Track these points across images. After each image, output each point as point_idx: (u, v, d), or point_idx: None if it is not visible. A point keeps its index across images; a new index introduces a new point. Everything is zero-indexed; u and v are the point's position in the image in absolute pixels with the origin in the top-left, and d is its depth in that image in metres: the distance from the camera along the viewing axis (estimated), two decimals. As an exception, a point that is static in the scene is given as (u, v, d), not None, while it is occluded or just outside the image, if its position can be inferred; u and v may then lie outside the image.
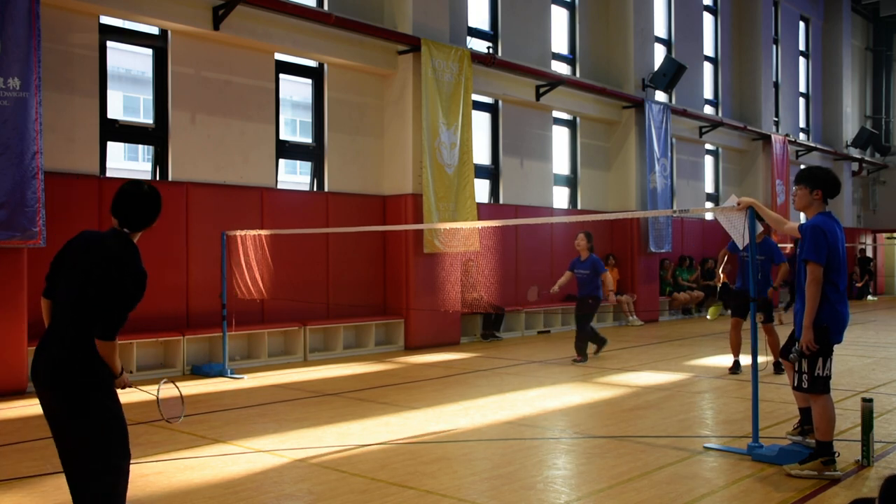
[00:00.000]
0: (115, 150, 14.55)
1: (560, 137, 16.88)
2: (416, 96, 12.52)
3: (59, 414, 3.56)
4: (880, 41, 30.70)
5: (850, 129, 27.81)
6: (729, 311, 10.27)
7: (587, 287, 10.96)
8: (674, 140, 19.20)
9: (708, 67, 21.55)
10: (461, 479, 5.26)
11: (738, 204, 5.90)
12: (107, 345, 3.57)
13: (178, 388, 4.51)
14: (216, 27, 10.50)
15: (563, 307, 15.48)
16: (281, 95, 11.95)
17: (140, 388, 4.30)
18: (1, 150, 8.15)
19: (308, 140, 12.55)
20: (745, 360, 9.97)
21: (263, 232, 10.29)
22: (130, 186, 3.81)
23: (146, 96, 12.10)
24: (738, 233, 6.01)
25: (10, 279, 8.46)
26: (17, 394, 8.46)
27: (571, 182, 17.15)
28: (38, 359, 3.60)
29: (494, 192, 15.13)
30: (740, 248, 6.35)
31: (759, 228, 8.89)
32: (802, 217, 5.65)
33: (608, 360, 11.25)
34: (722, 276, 10.52)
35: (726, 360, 10.42)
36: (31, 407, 7.88)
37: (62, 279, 3.71)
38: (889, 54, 30.66)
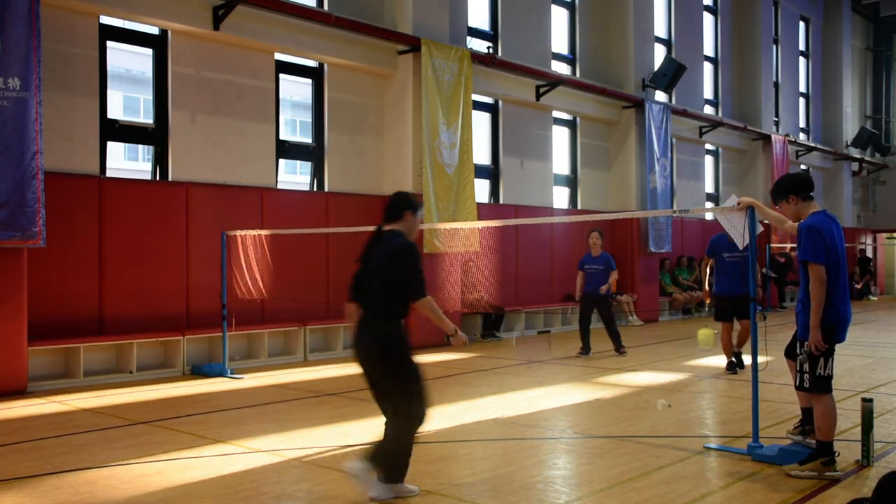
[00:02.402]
0: (115, 150, 14.56)
1: (560, 137, 16.88)
2: (416, 96, 12.52)
3: (377, 374, 4.73)
4: (880, 41, 30.69)
5: (850, 129, 27.81)
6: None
7: (600, 283, 11.32)
8: (674, 140, 19.19)
9: (708, 67, 21.54)
10: (461, 479, 5.26)
11: (739, 203, 5.91)
12: (423, 302, 4.72)
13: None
14: (216, 27, 10.50)
15: (563, 307, 15.48)
16: (281, 95, 11.95)
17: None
18: (1, 150, 8.15)
19: (308, 140, 12.55)
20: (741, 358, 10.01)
21: (263, 232, 10.29)
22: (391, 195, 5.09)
23: (146, 96, 12.09)
24: (738, 233, 6.01)
25: (10, 279, 8.46)
26: (17, 394, 8.45)
27: (571, 182, 17.14)
28: (359, 339, 4.77)
29: (494, 192, 15.13)
30: (740, 247, 6.35)
31: (760, 228, 8.88)
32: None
33: (608, 360, 11.25)
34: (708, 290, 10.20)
35: (726, 361, 10.41)
36: (31, 407, 7.89)
37: (363, 281, 4.85)
38: (889, 54, 30.65)
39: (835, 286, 5.31)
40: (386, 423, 4.82)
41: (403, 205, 4.96)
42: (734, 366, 9.84)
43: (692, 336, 14.42)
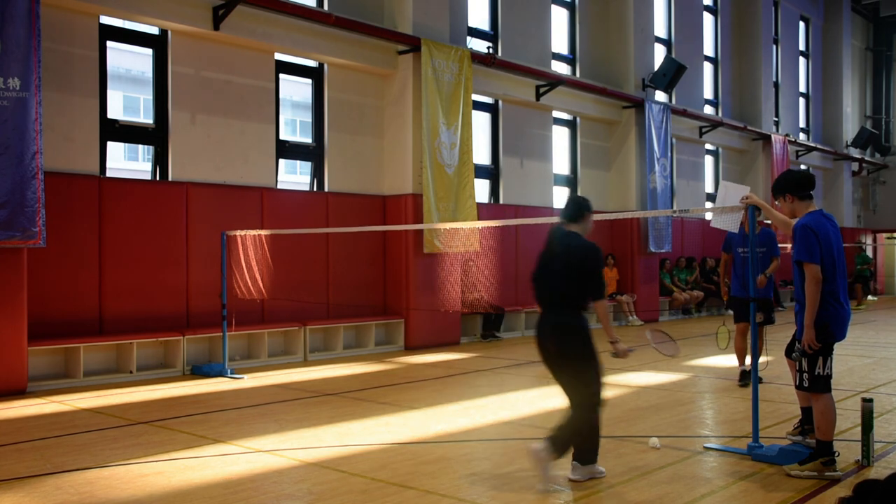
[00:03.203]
0: (115, 150, 14.56)
1: (560, 137, 16.88)
2: (416, 96, 12.52)
3: (558, 360, 5.21)
4: (880, 41, 30.70)
5: (850, 129, 27.82)
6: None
7: None
8: (674, 140, 19.20)
9: (708, 67, 21.55)
10: (461, 479, 5.26)
11: (746, 198, 5.85)
12: (601, 303, 5.15)
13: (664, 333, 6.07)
14: (216, 27, 10.50)
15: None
16: (281, 95, 11.95)
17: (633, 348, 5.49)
18: (1, 150, 8.15)
19: (308, 140, 12.55)
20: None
21: (263, 232, 10.29)
22: (566, 199, 5.58)
23: (146, 96, 12.10)
24: (725, 225, 6.06)
25: (10, 279, 8.46)
26: (17, 394, 8.45)
27: (571, 182, 17.14)
28: (543, 330, 5.23)
29: (494, 192, 15.13)
30: (735, 230, 6.38)
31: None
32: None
33: (608, 359, 11.21)
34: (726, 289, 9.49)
35: (726, 361, 10.41)
36: (31, 407, 7.89)
37: (546, 277, 5.25)
38: (889, 54, 30.66)
39: (831, 286, 5.30)
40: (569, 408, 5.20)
41: (585, 208, 5.38)
42: (746, 376, 8.76)
43: (692, 336, 14.44)
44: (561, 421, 5.16)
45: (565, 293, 5.15)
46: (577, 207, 5.38)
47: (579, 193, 17.23)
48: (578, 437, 5.13)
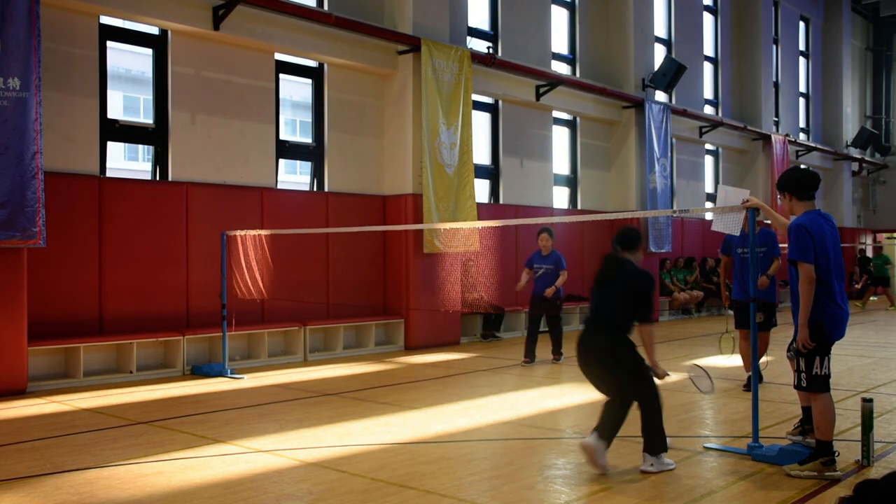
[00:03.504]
0: (115, 150, 14.56)
1: (560, 137, 16.88)
2: (416, 96, 12.52)
3: (605, 377, 5.50)
4: (880, 41, 30.71)
5: (850, 129, 27.82)
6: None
7: (548, 284, 10.77)
8: (674, 140, 19.20)
9: (708, 67, 21.55)
10: (461, 479, 5.26)
11: (747, 201, 5.88)
12: (647, 327, 5.49)
13: (702, 368, 6.28)
14: (216, 27, 10.50)
15: (565, 307, 15.43)
16: (281, 95, 11.95)
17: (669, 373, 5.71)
18: (1, 150, 8.15)
19: (308, 140, 12.55)
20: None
21: (263, 232, 10.29)
22: (621, 229, 5.94)
23: (146, 96, 12.10)
24: (729, 228, 6.08)
25: (10, 279, 8.46)
26: (17, 394, 8.45)
27: (571, 182, 17.14)
28: (591, 347, 5.53)
29: (494, 192, 15.13)
30: (737, 233, 6.40)
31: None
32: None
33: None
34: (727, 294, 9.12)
35: (726, 361, 10.40)
36: (31, 407, 7.89)
37: (599, 298, 5.65)
38: (889, 54, 30.66)
39: (826, 286, 5.29)
40: (610, 402, 5.49)
41: (638, 239, 5.87)
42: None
43: (692, 336, 14.43)
44: (642, 422, 5.46)
45: (616, 315, 5.49)
46: (632, 239, 5.83)
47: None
48: (659, 420, 5.43)
